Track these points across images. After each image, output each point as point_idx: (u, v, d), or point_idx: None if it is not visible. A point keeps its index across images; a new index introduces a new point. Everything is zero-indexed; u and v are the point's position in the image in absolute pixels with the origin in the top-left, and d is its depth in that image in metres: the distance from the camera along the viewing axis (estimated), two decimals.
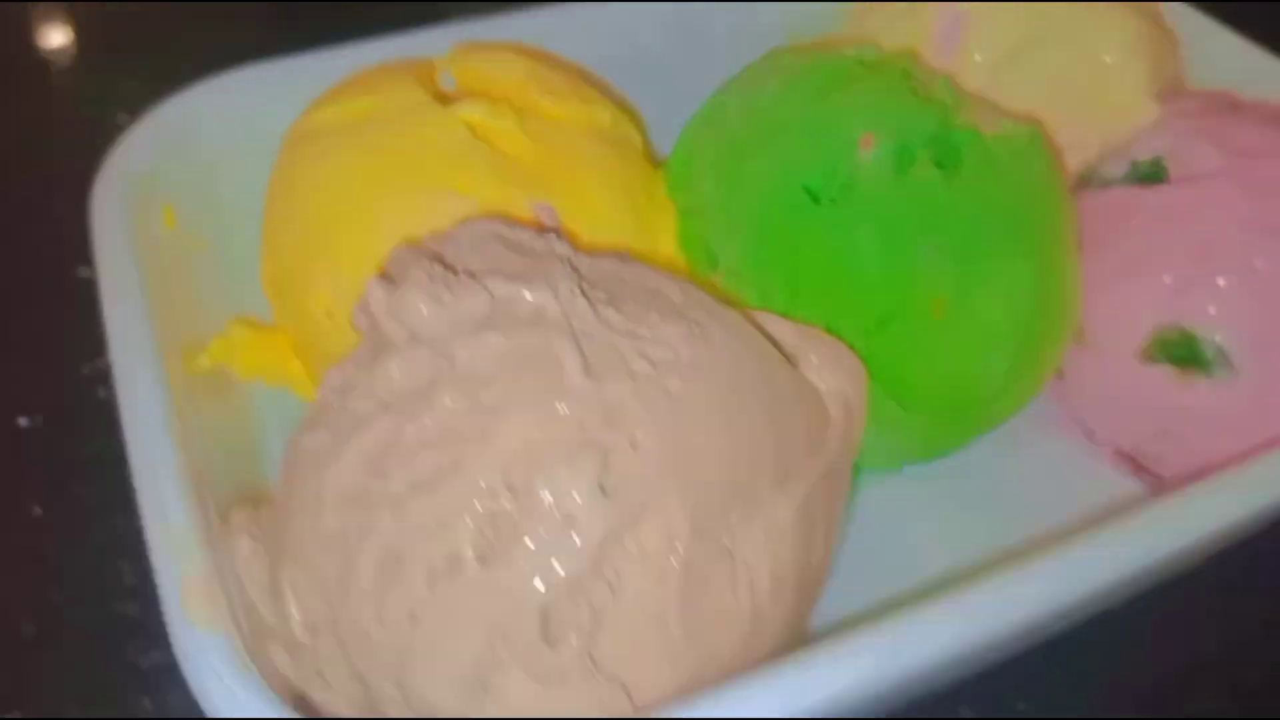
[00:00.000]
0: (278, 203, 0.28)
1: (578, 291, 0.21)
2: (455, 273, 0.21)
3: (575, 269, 0.22)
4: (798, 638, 0.23)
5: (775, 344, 0.25)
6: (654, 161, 0.31)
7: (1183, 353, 0.28)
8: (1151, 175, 0.29)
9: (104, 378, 0.30)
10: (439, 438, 0.20)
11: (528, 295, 0.21)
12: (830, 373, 0.25)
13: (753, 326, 0.24)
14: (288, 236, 0.27)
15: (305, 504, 0.20)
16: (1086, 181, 0.31)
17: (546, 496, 0.19)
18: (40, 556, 0.30)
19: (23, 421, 0.33)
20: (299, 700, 0.20)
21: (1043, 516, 0.28)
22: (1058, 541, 0.22)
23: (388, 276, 0.21)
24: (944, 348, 0.26)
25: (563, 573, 0.19)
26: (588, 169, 0.28)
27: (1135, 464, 0.30)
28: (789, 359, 0.25)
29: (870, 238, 0.26)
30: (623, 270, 0.23)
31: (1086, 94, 0.32)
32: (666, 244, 0.29)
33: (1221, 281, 0.27)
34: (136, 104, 0.30)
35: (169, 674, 0.20)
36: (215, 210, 0.31)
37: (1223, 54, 0.35)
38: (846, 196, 0.26)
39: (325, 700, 0.20)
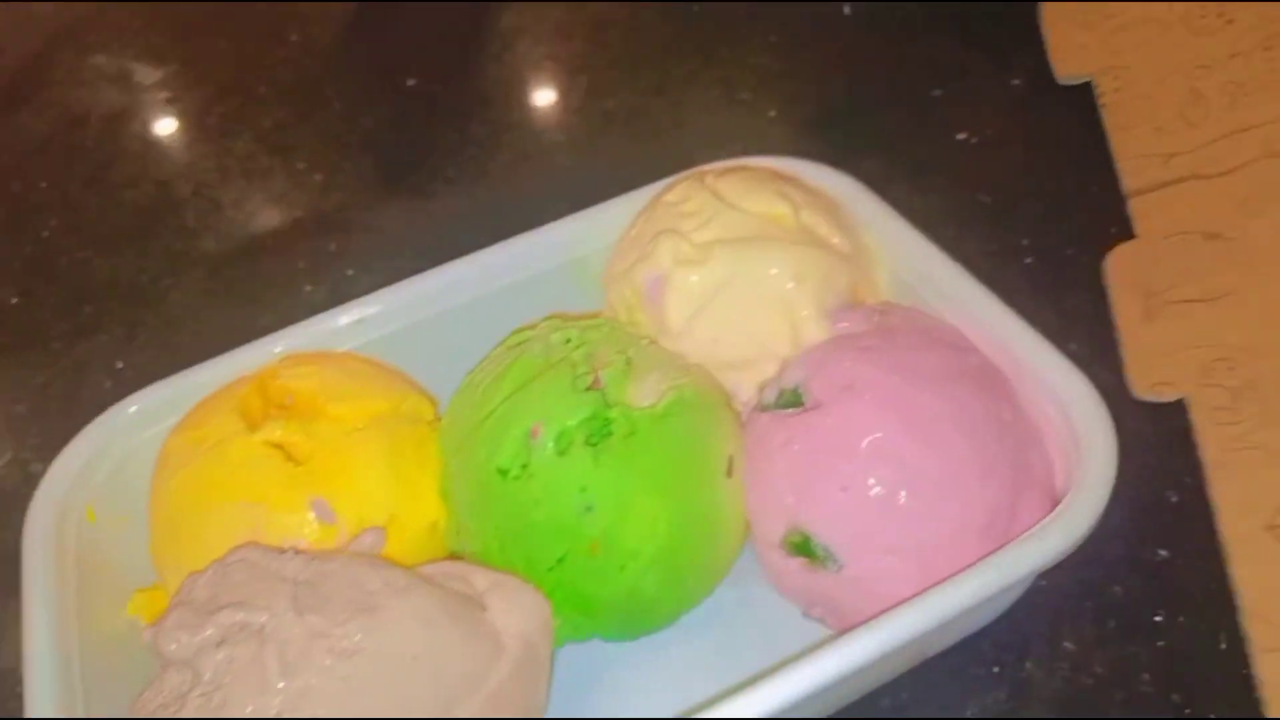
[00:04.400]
0: (151, 510, 0.39)
1: (289, 606, 0.32)
2: (202, 608, 0.32)
3: (299, 582, 0.33)
4: None
5: (471, 593, 0.35)
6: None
7: (804, 550, 0.36)
8: (792, 402, 0.38)
9: None
10: None
11: (250, 618, 0.31)
12: (513, 613, 0.34)
13: (434, 594, 0.34)
14: (155, 537, 0.38)
15: None
16: (756, 404, 0.39)
17: None
18: None
19: None
20: None
21: (759, 658, 0.35)
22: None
23: (162, 615, 0.32)
24: (604, 574, 0.36)
25: None
26: (356, 457, 0.38)
27: (816, 619, 0.39)
28: (480, 604, 0.34)
29: (540, 503, 0.36)
30: (341, 570, 0.33)
31: (770, 320, 0.41)
32: (434, 498, 0.39)
33: (823, 494, 0.36)
34: None
35: None
36: (130, 502, 0.42)
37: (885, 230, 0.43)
38: (525, 473, 0.36)
39: None
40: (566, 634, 0.37)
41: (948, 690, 0.38)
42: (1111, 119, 0.46)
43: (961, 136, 0.59)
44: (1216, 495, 0.34)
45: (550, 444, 0.36)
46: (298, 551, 0.34)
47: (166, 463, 0.39)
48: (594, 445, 0.36)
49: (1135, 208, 0.42)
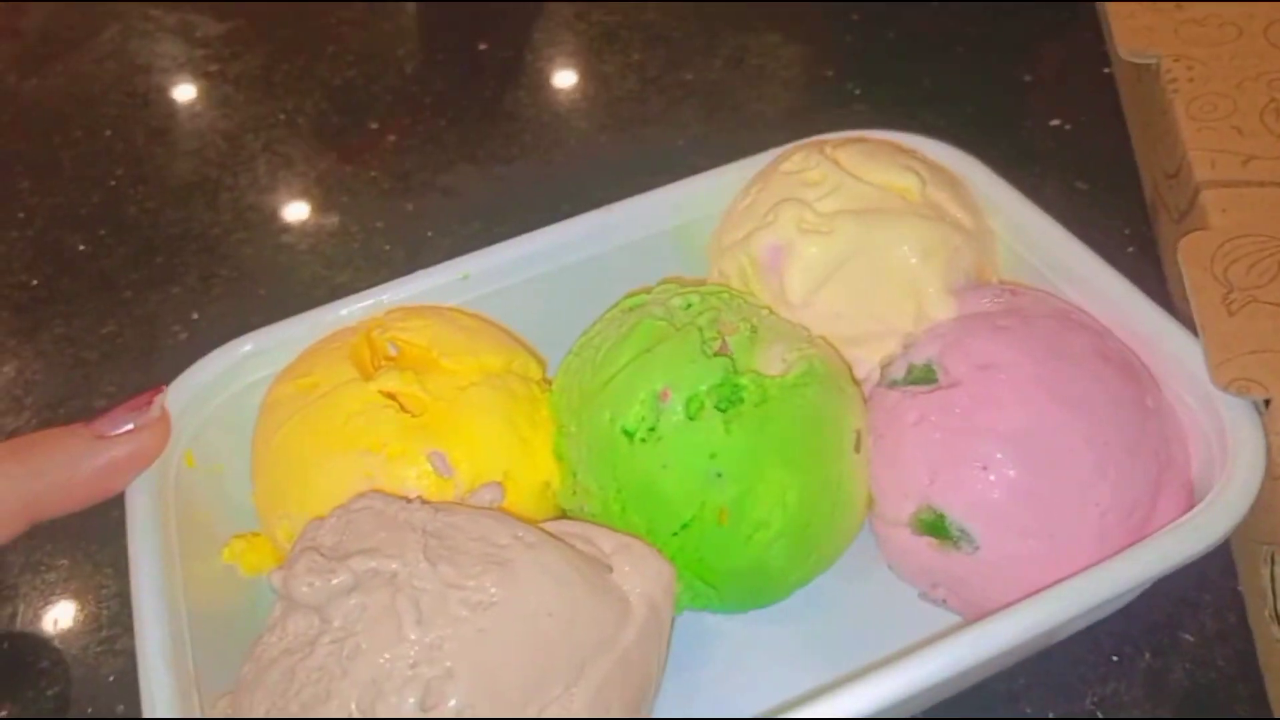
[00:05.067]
0: (256, 457, 0.38)
1: (421, 556, 0.31)
2: (330, 554, 0.31)
3: (426, 532, 0.32)
4: None
5: (596, 554, 0.34)
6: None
7: (936, 529, 0.35)
8: (923, 379, 0.37)
9: None
10: (319, 675, 0.29)
11: (381, 566, 0.31)
12: (638, 576, 0.34)
13: (565, 552, 0.33)
14: (260, 485, 0.37)
15: (243, 711, 0.30)
16: (881, 379, 0.39)
17: (384, 715, 0.28)
18: None
19: None
20: None
21: (871, 638, 0.36)
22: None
23: (289, 559, 0.31)
24: (731, 543, 0.35)
25: None
26: (473, 412, 0.37)
27: (935, 601, 0.38)
28: (606, 565, 0.34)
29: (667, 467, 0.35)
30: (468, 523, 0.33)
31: (895, 295, 0.40)
32: (546, 458, 0.38)
33: (962, 474, 0.35)
34: None
35: None
36: (230, 447, 0.41)
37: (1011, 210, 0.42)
38: (652, 436, 0.35)
39: None
40: (686, 601, 0.36)
41: (1066, 679, 0.37)
42: (1183, 107, 0.45)
43: (1055, 123, 0.59)
44: None
45: (680, 408, 0.35)
46: (424, 501, 0.33)
47: (275, 410, 0.38)
48: (724, 411, 0.35)
49: (1208, 199, 0.42)
